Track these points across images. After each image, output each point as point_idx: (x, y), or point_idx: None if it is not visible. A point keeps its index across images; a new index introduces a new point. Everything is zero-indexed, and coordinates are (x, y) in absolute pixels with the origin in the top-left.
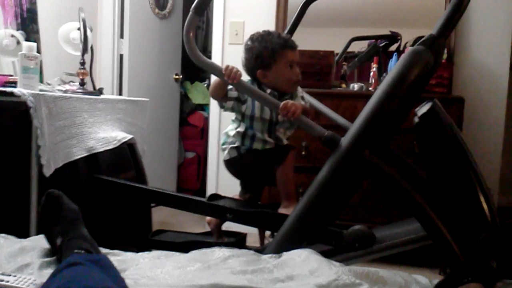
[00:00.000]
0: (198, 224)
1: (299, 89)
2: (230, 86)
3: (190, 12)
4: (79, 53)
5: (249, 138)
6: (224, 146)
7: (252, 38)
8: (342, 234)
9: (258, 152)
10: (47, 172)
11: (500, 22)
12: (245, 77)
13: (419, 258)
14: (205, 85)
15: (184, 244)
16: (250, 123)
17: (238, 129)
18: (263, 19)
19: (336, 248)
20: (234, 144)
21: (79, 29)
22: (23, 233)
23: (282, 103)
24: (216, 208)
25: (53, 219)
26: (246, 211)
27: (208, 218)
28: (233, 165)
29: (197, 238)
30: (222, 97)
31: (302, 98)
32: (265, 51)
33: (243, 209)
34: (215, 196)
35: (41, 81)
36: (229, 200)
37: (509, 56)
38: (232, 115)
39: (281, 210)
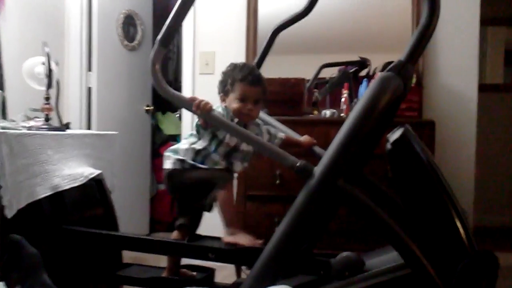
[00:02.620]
0: None
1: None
2: None
3: (156, 44)
4: (44, 88)
5: (202, 156)
6: (168, 154)
7: (230, 64)
8: (330, 262)
9: (202, 169)
10: (9, 213)
11: (467, 45)
12: None
13: (399, 285)
14: (177, 115)
15: (151, 280)
16: (216, 146)
17: (194, 146)
18: (234, 48)
19: (324, 278)
20: (181, 157)
21: (44, 63)
22: None
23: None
24: (196, 249)
25: (12, 265)
26: (229, 249)
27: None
28: (173, 178)
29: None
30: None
31: (269, 132)
32: (227, 79)
33: (226, 248)
34: (196, 237)
35: (5, 117)
36: (210, 239)
37: (477, 77)
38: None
39: (227, 238)
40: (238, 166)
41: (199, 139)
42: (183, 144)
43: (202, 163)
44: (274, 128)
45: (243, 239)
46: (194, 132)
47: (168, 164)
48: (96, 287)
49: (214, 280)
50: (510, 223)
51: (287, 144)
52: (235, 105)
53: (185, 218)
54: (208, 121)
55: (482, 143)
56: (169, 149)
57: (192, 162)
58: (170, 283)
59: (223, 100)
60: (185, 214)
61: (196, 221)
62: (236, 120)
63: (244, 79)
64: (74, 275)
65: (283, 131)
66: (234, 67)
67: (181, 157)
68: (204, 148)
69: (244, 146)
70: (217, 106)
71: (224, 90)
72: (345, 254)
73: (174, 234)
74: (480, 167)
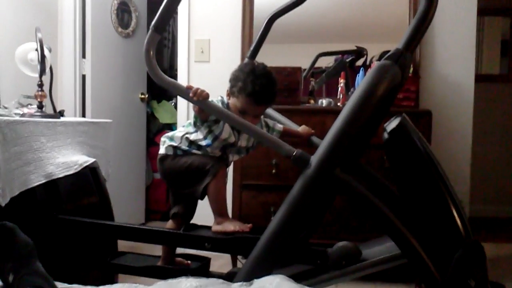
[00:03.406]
0: None
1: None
2: None
3: (150, 30)
4: (37, 75)
5: (196, 145)
6: (163, 139)
7: (247, 64)
8: (327, 252)
9: (194, 156)
10: (3, 201)
11: (464, 34)
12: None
13: (393, 274)
14: (172, 104)
15: (146, 269)
16: (212, 141)
17: (189, 136)
18: (229, 36)
19: (321, 268)
20: (175, 143)
21: (37, 49)
22: None
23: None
24: (193, 238)
25: (6, 254)
26: (225, 238)
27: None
28: (164, 162)
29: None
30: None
31: (267, 125)
32: (238, 82)
33: (222, 237)
34: (191, 226)
35: None
36: (206, 228)
37: (474, 67)
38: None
39: (215, 228)
40: (233, 157)
41: (196, 131)
42: (179, 132)
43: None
44: (273, 120)
45: (231, 226)
46: (192, 122)
47: (162, 149)
48: (90, 276)
49: (209, 269)
50: (505, 213)
51: (285, 135)
52: (231, 103)
53: (179, 206)
54: (204, 110)
55: (479, 133)
56: (165, 135)
57: (186, 148)
58: (165, 272)
59: (228, 94)
60: (179, 202)
61: (190, 209)
62: None
63: (251, 95)
64: (68, 264)
65: (279, 121)
66: (249, 73)
67: (174, 144)
68: (199, 139)
69: (242, 143)
70: (217, 100)
71: (231, 90)
72: (341, 243)
73: (169, 223)
74: (476, 157)
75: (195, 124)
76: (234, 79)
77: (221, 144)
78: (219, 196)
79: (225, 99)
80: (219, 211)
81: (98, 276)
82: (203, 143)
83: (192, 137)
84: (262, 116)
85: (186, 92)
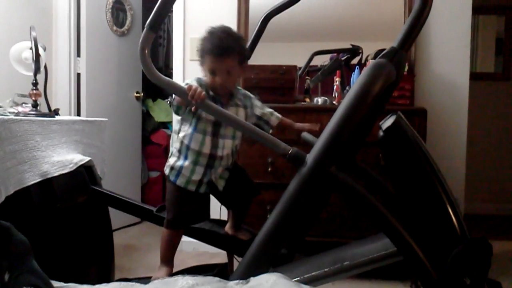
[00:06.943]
0: None
1: (249, 95)
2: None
3: (145, 29)
4: (31, 73)
5: (184, 150)
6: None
7: (206, 30)
8: None
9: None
10: None
11: (459, 33)
12: None
13: (389, 272)
14: (168, 102)
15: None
16: (196, 123)
17: (174, 160)
18: None
19: None
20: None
21: (31, 48)
22: None
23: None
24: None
25: (1, 253)
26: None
27: (155, 276)
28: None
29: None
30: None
31: (251, 105)
32: (201, 49)
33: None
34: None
35: None
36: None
37: (468, 65)
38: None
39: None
40: (227, 145)
41: (182, 123)
42: (169, 159)
43: (186, 154)
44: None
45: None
46: (174, 111)
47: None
48: (86, 274)
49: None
50: (500, 211)
51: (281, 125)
52: (207, 79)
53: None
54: (204, 111)
55: (473, 131)
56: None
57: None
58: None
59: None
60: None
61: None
62: (211, 93)
63: (211, 50)
64: (65, 262)
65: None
66: (206, 36)
67: (171, 178)
68: (184, 137)
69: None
70: (192, 80)
71: (200, 62)
72: None
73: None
74: (471, 155)
75: (177, 113)
76: (198, 51)
77: (206, 125)
78: (163, 244)
79: (203, 80)
80: (161, 258)
81: (94, 274)
82: (189, 131)
83: (175, 159)
84: (256, 98)
85: (181, 91)
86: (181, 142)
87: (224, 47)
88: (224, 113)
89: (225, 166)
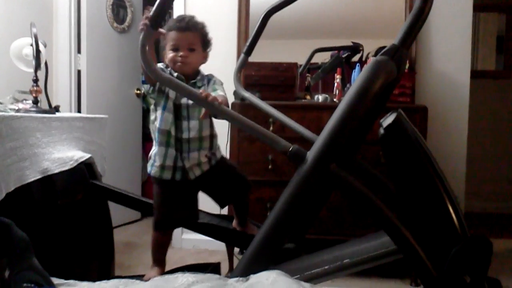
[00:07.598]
0: None
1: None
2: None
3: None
4: (32, 70)
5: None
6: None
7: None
8: None
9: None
10: None
11: (460, 30)
12: None
13: (389, 269)
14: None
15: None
16: (165, 102)
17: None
18: (225, 31)
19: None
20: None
21: (31, 44)
22: None
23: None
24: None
25: (1, 250)
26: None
27: (147, 276)
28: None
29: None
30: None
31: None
32: (166, 29)
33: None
34: None
35: None
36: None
37: (469, 63)
38: None
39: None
40: (193, 126)
41: (156, 110)
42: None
43: (157, 138)
44: (270, 116)
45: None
46: (150, 90)
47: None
48: (86, 272)
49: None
50: (500, 209)
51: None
52: (169, 55)
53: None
54: (215, 113)
55: (474, 129)
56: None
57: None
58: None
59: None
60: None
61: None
62: (175, 74)
63: (175, 27)
64: (65, 259)
65: (275, 116)
66: (170, 21)
67: (151, 172)
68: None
69: (188, 101)
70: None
71: (164, 42)
72: None
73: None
74: (472, 153)
75: (153, 91)
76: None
77: (171, 104)
78: (153, 246)
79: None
80: (152, 259)
81: (94, 272)
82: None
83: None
84: (218, 81)
85: (183, 88)
86: (154, 128)
87: (186, 22)
88: (233, 114)
89: (196, 150)
